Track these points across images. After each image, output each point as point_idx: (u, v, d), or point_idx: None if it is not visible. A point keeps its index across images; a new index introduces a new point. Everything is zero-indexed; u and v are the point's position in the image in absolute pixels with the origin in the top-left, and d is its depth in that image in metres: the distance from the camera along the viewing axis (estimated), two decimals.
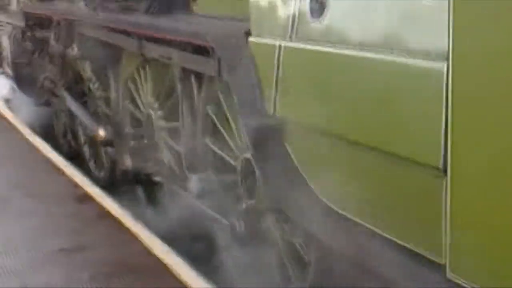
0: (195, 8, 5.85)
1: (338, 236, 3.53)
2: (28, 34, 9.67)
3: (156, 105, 6.22)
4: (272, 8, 4.11)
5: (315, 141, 3.73)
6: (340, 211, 3.55)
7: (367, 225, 3.32)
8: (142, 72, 6.46)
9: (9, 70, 10.79)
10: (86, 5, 7.20)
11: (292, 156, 3.96)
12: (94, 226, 6.01)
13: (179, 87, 5.59)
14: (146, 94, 6.41)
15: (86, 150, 8.38)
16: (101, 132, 7.16)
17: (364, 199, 3.36)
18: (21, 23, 9.70)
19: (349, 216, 3.46)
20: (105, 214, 6.25)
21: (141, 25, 5.88)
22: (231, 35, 4.46)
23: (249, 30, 4.33)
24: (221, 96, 5.00)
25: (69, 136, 8.98)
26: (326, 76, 3.59)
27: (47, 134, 9.40)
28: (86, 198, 6.70)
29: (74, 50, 7.74)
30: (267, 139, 4.05)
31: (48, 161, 7.97)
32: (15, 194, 6.85)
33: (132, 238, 5.69)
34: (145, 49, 5.86)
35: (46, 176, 7.51)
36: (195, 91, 5.39)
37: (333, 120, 3.52)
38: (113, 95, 7.16)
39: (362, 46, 3.28)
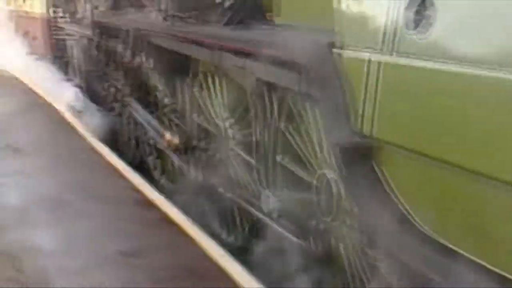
0: (272, 18, 5.63)
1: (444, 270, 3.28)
2: (97, 43, 9.80)
3: (229, 119, 6.14)
4: (363, 18, 3.81)
5: (419, 166, 3.42)
6: (444, 242, 3.34)
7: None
8: (217, 83, 6.35)
9: (77, 78, 10.88)
10: (160, 16, 7.03)
11: (389, 180, 3.69)
12: (153, 230, 6.06)
13: (256, 100, 5.44)
14: (220, 107, 6.30)
15: (150, 159, 8.40)
16: (171, 137, 7.09)
17: (478, 233, 3.13)
18: (90, 32, 9.81)
19: (454, 248, 3.25)
20: (165, 219, 6.29)
21: (220, 36, 5.70)
22: (315, 47, 4.15)
23: (334, 41, 4.03)
24: (299, 110, 4.84)
25: (133, 144, 9.05)
26: (435, 96, 3.25)
27: (112, 141, 9.51)
28: (146, 202, 6.77)
29: (143, 60, 7.71)
30: (357, 160, 3.77)
31: (110, 166, 8.06)
32: (77, 197, 6.94)
33: (189, 243, 5.71)
34: (223, 60, 5.73)
35: (108, 180, 7.61)
36: (273, 105, 5.23)
37: (441, 145, 3.21)
38: (181, 106, 7.14)
39: (477, 63, 2.98)
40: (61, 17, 13.69)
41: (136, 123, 8.63)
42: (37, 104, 12.13)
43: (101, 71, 9.96)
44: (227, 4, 5.81)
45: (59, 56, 13.87)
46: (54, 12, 14.01)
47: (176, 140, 7.04)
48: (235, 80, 5.78)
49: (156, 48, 7.38)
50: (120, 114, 9.47)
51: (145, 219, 6.33)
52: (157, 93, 7.82)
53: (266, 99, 5.29)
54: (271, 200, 5.09)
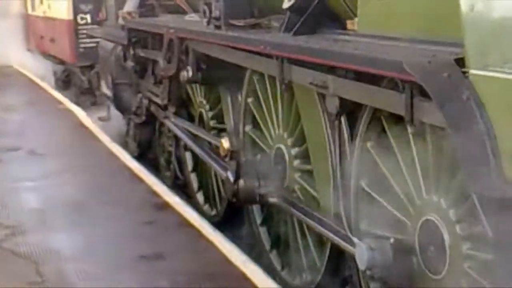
0: (352, 26, 4.66)
1: None
2: (131, 52, 8.80)
3: (290, 141, 5.35)
4: None
5: None
6: None
7: None
8: (278, 100, 5.52)
9: (107, 91, 10.00)
10: (211, 23, 6.12)
11: None
12: (173, 234, 6.04)
13: (333, 122, 4.58)
14: (278, 127, 5.54)
15: (194, 178, 7.63)
16: (225, 143, 6.19)
17: None
18: (123, 41, 8.89)
19: None
20: (184, 223, 6.27)
21: (290, 47, 4.79)
22: (439, 64, 3.33)
23: (463, 58, 3.27)
24: (399, 140, 4.01)
25: (174, 164, 8.20)
26: None
27: (145, 158, 9.09)
28: (165, 206, 6.74)
29: (188, 72, 6.70)
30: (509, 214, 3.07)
31: (128, 170, 8.07)
32: (96, 201, 6.95)
33: (210, 247, 5.69)
34: (294, 75, 4.86)
35: (127, 184, 7.61)
36: (359, 131, 4.36)
37: None
38: (231, 124, 6.41)
39: None
40: (89, 24, 13.16)
41: (178, 141, 7.86)
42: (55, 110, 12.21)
43: (134, 82, 9.04)
44: (296, 9, 4.93)
45: (86, 65, 13.24)
46: (82, 18, 13.46)
47: (227, 145, 6.19)
48: (305, 98, 4.96)
49: (205, 60, 6.60)
50: (154, 129, 8.82)
51: (165, 223, 6.30)
52: (202, 111, 7.19)
53: (345, 124, 4.48)
54: (364, 253, 4.05)
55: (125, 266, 5.37)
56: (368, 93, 4.04)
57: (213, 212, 7.04)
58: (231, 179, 5.68)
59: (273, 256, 5.85)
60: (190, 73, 6.66)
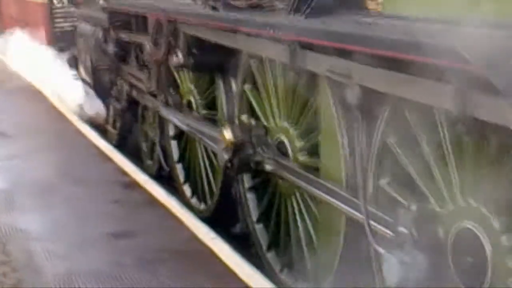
0: (373, 5, 4.15)
1: None
2: (112, 35, 8.36)
3: (295, 133, 4.89)
4: None
5: None
6: None
7: None
8: (280, 88, 5.04)
9: (86, 75, 9.51)
10: (202, 2, 5.71)
11: None
12: (141, 213, 6.04)
13: (349, 115, 4.08)
14: (279, 117, 5.08)
15: (180, 169, 7.17)
16: (227, 134, 5.38)
17: None
18: (104, 24, 8.36)
19: None
20: (152, 201, 6.27)
21: (303, 29, 4.23)
22: (504, 50, 2.79)
23: None
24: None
25: (159, 154, 7.66)
26: None
27: (124, 147, 8.66)
28: (133, 185, 6.75)
29: (179, 57, 6.22)
30: None
31: (97, 149, 8.05)
32: (63, 181, 6.93)
33: (178, 225, 5.70)
34: (305, 61, 4.29)
35: (95, 163, 7.60)
36: (382, 124, 3.86)
37: None
38: (224, 112, 5.97)
39: None
40: (65, 6, 12.34)
41: (163, 131, 7.40)
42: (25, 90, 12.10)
43: (115, 67, 8.57)
44: None
45: (60, 48, 12.34)
46: (58, 1, 12.62)
47: (231, 136, 5.35)
48: (314, 87, 4.51)
49: (196, 44, 6.07)
50: (135, 116, 8.35)
51: (133, 202, 6.31)
52: (191, 99, 6.71)
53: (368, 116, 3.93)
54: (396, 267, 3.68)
55: (93, 245, 5.36)
56: (408, 84, 3.42)
57: (202, 206, 6.60)
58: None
59: (271, 256, 5.46)
60: (181, 58, 6.20)
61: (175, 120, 6.86)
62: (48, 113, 10.19)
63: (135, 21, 7.87)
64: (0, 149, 8.28)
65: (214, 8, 5.45)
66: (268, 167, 5.08)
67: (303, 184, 4.64)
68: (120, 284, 4.69)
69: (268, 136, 5.18)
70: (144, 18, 7.33)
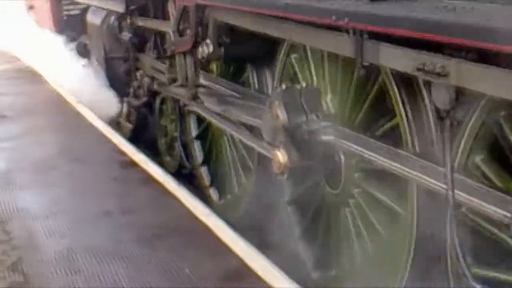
0: None
1: None
2: (128, 22, 7.67)
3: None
4: None
5: None
6: None
7: None
8: (331, 84, 4.57)
9: (98, 65, 8.83)
10: None
11: None
12: (138, 190, 6.13)
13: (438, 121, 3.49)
14: (328, 117, 4.52)
15: (205, 172, 6.73)
16: (281, 156, 4.54)
17: None
18: (119, 8, 7.58)
19: None
20: (150, 179, 6.36)
21: (372, 16, 3.53)
22: None
23: None
24: None
25: (180, 151, 7.33)
26: None
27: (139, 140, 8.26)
28: (131, 164, 6.82)
29: (208, 47, 5.58)
30: None
31: (95, 129, 8.13)
32: (62, 160, 7.02)
33: (175, 202, 5.79)
34: (379, 55, 3.61)
35: (92, 143, 7.67)
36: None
37: None
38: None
39: None
40: None
41: (183, 126, 7.02)
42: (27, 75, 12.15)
43: (131, 57, 7.89)
44: None
45: (70, 35, 11.56)
46: None
47: (284, 158, 4.53)
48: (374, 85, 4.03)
49: (227, 33, 5.51)
50: (151, 108, 7.82)
51: (130, 180, 6.39)
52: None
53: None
54: None
55: (91, 222, 5.46)
56: None
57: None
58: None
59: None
60: (211, 48, 5.56)
61: (207, 113, 6.15)
62: (47, 95, 10.27)
63: (153, 7, 7.29)
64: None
65: None
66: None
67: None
68: (119, 259, 4.78)
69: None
70: (163, 3, 6.80)
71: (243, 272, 4.56)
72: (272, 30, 4.74)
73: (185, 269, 4.61)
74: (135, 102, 7.98)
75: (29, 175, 6.64)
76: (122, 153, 7.15)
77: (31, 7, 13.65)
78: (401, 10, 3.39)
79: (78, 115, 8.83)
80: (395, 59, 3.51)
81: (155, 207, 5.73)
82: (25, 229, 5.35)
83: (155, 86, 7.33)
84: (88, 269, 4.66)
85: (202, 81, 6.22)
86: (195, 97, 6.30)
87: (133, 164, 6.81)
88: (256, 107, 5.14)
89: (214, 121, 6.03)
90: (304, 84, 4.66)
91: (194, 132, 6.99)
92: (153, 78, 7.33)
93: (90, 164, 6.87)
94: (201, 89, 6.26)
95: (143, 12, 7.46)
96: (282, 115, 4.47)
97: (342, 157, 4.43)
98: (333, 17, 3.77)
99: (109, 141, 7.63)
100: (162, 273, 4.58)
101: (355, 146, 4.13)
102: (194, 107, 6.39)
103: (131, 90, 8.11)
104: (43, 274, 4.62)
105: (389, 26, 3.39)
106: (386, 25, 3.42)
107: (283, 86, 4.65)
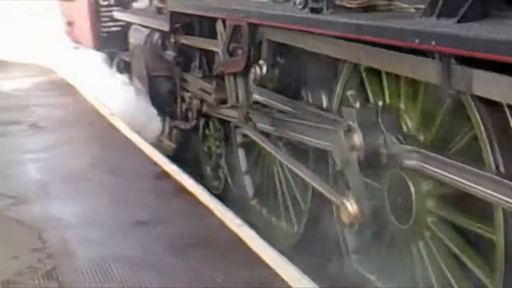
0: None
1: None
2: (172, 40, 7.46)
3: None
4: None
5: None
6: None
7: None
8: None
9: (140, 84, 8.54)
10: (303, 3, 4.55)
11: None
12: (170, 201, 6.21)
13: None
14: None
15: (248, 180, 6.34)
16: (350, 206, 4.13)
17: None
18: (163, 26, 7.41)
19: None
20: (182, 190, 6.44)
21: (465, 38, 3.11)
22: None
23: None
24: None
25: (225, 172, 7.02)
26: None
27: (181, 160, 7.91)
28: (164, 175, 6.92)
29: (262, 69, 5.30)
30: None
31: (128, 141, 8.26)
32: (95, 171, 7.14)
33: (207, 212, 5.86)
34: (474, 83, 3.23)
35: (126, 154, 7.78)
36: None
37: None
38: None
39: None
40: (112, 5, 11.16)
41: (226, 141, 6.71)
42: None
43: (175, 76, 7.64)
44: None
45: (108, 52, 11.55)
46: None
47: (354, 209, 4.13)
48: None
49: (282, 53, 5.23)
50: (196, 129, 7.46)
51: (163, 191, 6.48)
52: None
53: None
54: None
55: (124, 232, 5.54)
56: None
57: (292, 228, 5.64)
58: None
59: None
60: (264, 70, 5.28)
61: (259, 138, 5.64)
62: (81, 107, 10.44)
63: (198, 25, 7.07)
64: (34, 141, 8.52)
65: (314, 10, 4.39)
66: None
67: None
68: (152, 268, 4.84)
69: None
70: (211, 21, 6.48)
71: (274, 281, 4.61)
72: (337, 52, 4.37)
73: (217, 278, 4.66)
74: (184, 126, 7.64)
75: (63, 185, 6.77)
76: (155, 164, 7.26)
77: (70, 23, 13.46)
78: (497, 32, 3.02)
79: (111, 126, 8.97)
80: (491, 87, 3.14)
81: (187, 218, 5.80)
82: (60, 237, 5.44)
83: (204, 109, 6.97)
84: (121, 278, 4.72)
85: (256, 96, 5.63)
86: (247, 119, 5.86)
87: (165, 175, 6.90)
88: (323, 127, 4.59)
89: (268, 148, 5.52)
90: (380, 103, 4.21)
91: (244, 166, 6.49)
92: (202, 100, 6.99)
93: (123, 175, 6.98)
94: (253, 111, 5.78)
95: (187, 30, 7.28)
96: (357, 137, 4.04)
97: (413, 185, 3.90)
98: (416, 40, 3.35)
99: (141, 152, 7.74)
100: (194, 282, 4.64)
101: (441, 171, 3.63)
102: (245, 129, 5.86)
103: (176, 110, 7.92)
104: (77, 282, 4.69)
105: (486, 50, 2.99)
106: (482, 49, 3.01)
107: (357, 105, 4.26)
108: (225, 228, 5.52)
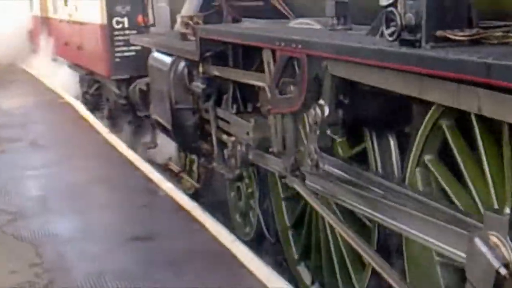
0: None
1: None
2: (200, 70, 6.52)
3: None
4: None
5: None
6: None
7: None
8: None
9: (161, 116, 7.57)
10: (395, 35, 3.43)
11: None
12: (165, 217, 6.35)
13: None
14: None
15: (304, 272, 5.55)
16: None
17: None
18: (193, 55, 6.45)
19: None
20: (178, 206, 6.58)
21: None
22: None
23: None
24: None
25: (260, 219, 6.24)
26: None
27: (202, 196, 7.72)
28: (159, 191, 7.07)
29: (323, 110, 4.26)
30: None
31: (124, 158, 8.43)
32: (93, 187, 7.31)
33: (201, 228, 5.99)
34: None
35: (122, 171, 7.94)
36: None
37: None
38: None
39: None
40: (126, 29, 10.71)
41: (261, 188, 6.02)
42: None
43: (203, 109, 6.78)
44: None
45: (122, 79, 10.86)
46: (118, 22, 10.79)
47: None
48: None
49: (348, 91, 4.20)
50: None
51: (158, 207, 6.64)
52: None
53: None
54: None
55: (120, 246, 5.66)
56: None
57: None
58: None
59: None
60: (326, 111, 4.26)
61: (310, 197, 4.68)
62: (79, 125, 10.59)
63: (232, 54, 6.08)
64: (33, 158, 8.69)
65: (411, 42, 3.36)
66: None
67: None
68: (147, 282, 4.96)
69: None
70: (248, 50, 5.66)
71: None
72: (436, 96, 3.33)
73: None
74: (227, 175, 6.47)
75: (61, 201, 6.92)
76: (150, 181, 7.40)
77: (79, 48, 12.88)
78: None
79: (108, 144, 9.13)
80: None
81: (181, 233, 5.93)
82: (57, 252, 5.58)
83: (250, 157, 5.87)
84: None
85: (325, 166, 4.49)
86: (295, 170, 4.95)
87: (160, 191, 7.05)
88: (441, 225, 3.29)
89: (324, 213, 4.58)
90: None
91: (289, 219, 5.80)
92: (248, 146, 5.87)
93: (119, 191, 7.14)
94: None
95: (219, 59, 6.28)
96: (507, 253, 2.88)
97: None
98: None
99: (138, 169, 7.88)
100: None
101: None
102: (294, 183, 4.93)
103: (202, 147, 7.17)
104: None
105: None
106: None
107: (507, 211, 3.08)
108: (219, 244, 5.65)
